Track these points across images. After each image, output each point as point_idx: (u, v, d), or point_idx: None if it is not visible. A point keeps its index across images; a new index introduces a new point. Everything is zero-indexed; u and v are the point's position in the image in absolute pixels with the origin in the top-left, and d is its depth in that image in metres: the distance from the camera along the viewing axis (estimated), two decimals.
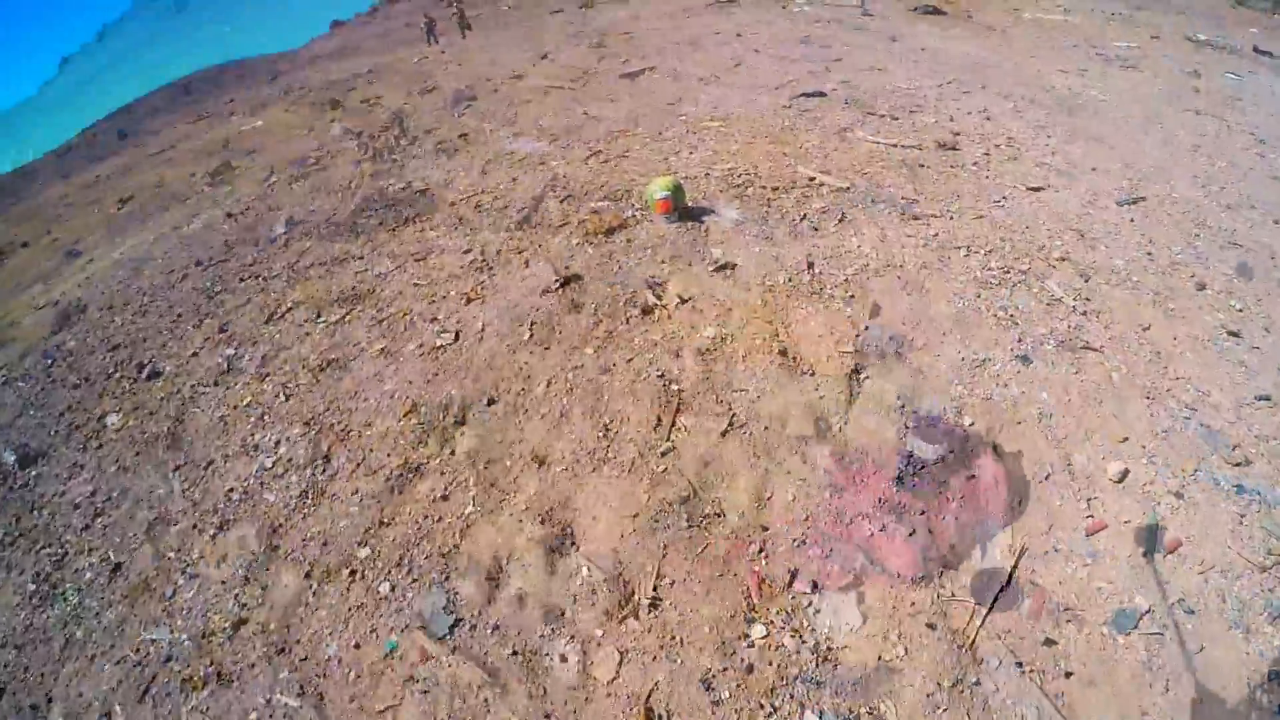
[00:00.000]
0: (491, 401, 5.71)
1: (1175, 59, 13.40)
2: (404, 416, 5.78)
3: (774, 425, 5.26)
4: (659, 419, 5.32)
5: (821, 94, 10.93)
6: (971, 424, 5.35)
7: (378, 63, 18.22)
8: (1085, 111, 10.49)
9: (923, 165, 8.58)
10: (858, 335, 5.88)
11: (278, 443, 5.93)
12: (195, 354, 7.21)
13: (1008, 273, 6.64)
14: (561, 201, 8.19)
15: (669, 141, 9.63)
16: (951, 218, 7.45)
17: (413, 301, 7.07)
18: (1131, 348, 6.10)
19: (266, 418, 6.22)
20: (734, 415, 5.32)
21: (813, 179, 7.96)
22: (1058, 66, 12.33)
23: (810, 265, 6.48)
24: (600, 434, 5.29)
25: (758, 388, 5.49)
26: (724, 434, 5.20)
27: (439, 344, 6.35)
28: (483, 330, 6.33)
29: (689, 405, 5.40)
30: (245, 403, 6.42)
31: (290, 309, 7.51)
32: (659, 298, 6.22)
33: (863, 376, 5.59)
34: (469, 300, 6.75)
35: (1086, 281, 6.73)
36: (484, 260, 7.34)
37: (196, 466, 5.91)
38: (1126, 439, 5.32)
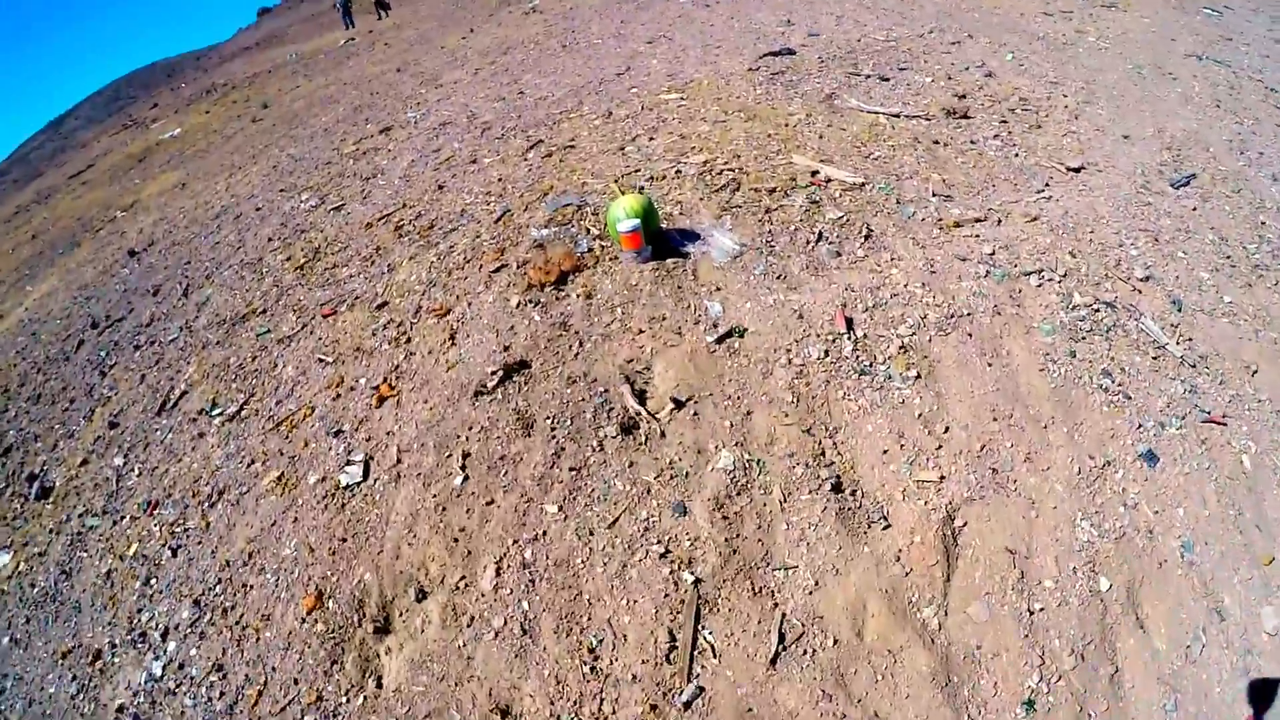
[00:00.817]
0: (422, 595, 3.29)
1: None
2: (308, 614, 3.33)
3: (845, 632, 2.99)
4: (671, 636, 2.99)
5: (790, 51, 8.26)
6: (1109, 588, 3.19)
7: (301, 50, 14.73)
8: (1090, 61, 8.06)
9: (937, 142, 6.12)
10: (939, 448, 3.58)
11: (166, 631, 3.48)
12: (85, 461, 4.73)
13: (1096, 310, 4.36)
14: (497, 221, 5.55)
15: (622, 123, 6.93)
16: (1000, 221, 5.08)
17: (316, 391, 4.49)
18: (1250, 406, 3.98)
19: (154, 581, 3.74)
20: (785, 619, 3.02)
21: (816, 172, 5.45)
22: (1039, 8, 9.78)
23: (849, 324, 4.07)
24: (585, 669, 2.95)
25: (811, 562, 3.17)
26: (774, 660, 2.92)
27: (344, 481, 3.83)
28: (399, 461, 3.81)
29: (714, 605, 3.06)
30: (132, 552, 3.94)
31: (184, 393, 4.95)
32: (642, 402, 3.77)
33: (957, 524, 3.33)
34: (380, 399, 4.19)
35: (1180, 311, 4.50)
36: (399, 325, 4.73)
37: (86, 654, 3.52)
38: (1274, 559, 3.28)
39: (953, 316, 4.13)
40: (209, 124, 12.01)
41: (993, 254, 4.67)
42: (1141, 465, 3.62)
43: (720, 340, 3.98)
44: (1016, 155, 6.03)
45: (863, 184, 5.27)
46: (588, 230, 4.95)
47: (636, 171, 5.76)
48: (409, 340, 4.52)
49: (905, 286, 4.33)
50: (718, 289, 4.33)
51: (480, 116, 7.98)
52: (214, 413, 4.71)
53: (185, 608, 3.58)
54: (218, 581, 3.66)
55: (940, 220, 5.01)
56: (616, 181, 5.56)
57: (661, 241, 4.59)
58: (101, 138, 14.37)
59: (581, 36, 10.10)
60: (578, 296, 4.35)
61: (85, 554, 4.13)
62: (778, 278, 4.38)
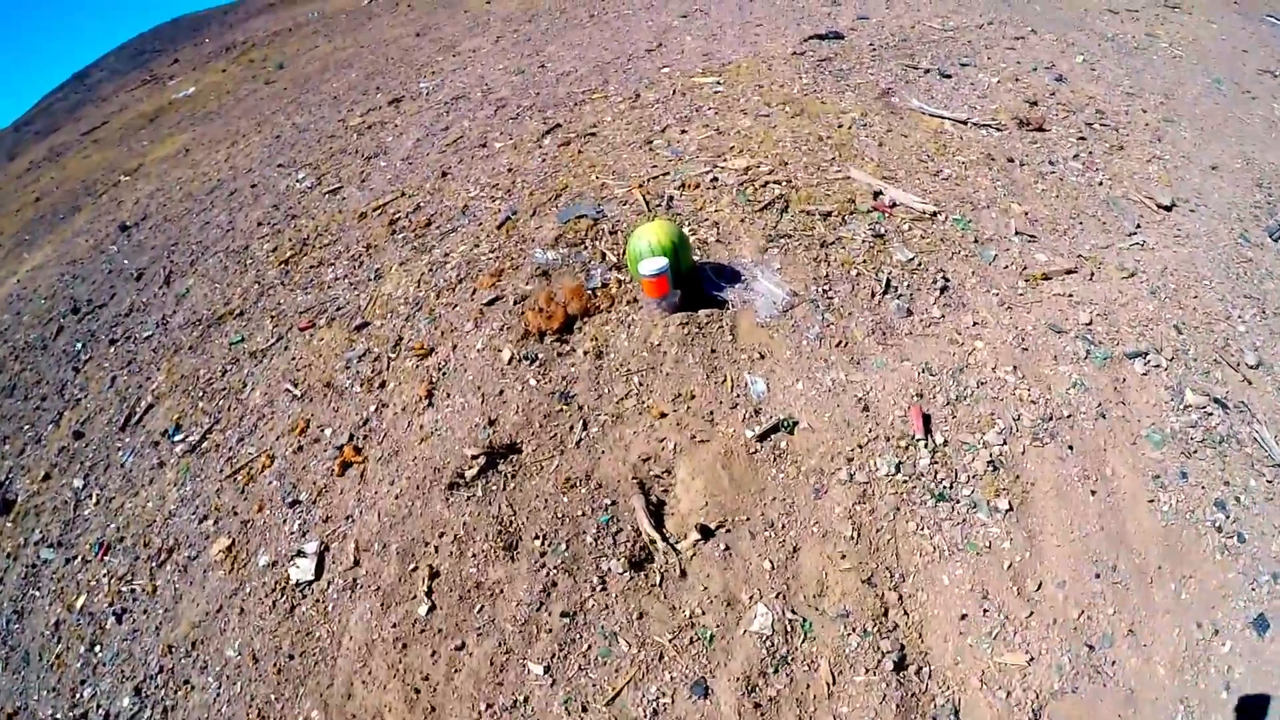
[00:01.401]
0: None
1: None
2: None
3: None
4: None
5: (838, 35, 6.83)
6: None
7: (324, 8, 13.03)
8: (1166, 72, 6.62)
9: (1012, 160, 4.85)
10: (1029, 615, 2.55)
11: (107, 717, 2.67)
12: (48, 475, 3.90)
13: (1209, 413, 3.25)
14: (500, 227, 4.37)
15: (651, 109, 5.63)
16: (1092, 274, 3.90)
17: (279, 434, 3.46)
18: None
19: (98, 649, 2.95)
20: None
21: (879, 193, 4.23)
22: (1102, 4, 8.20)
23: (925, 422, 2.98)
24: None
25: None
26: None
27: (295, 576, 2.82)
28: (356, 563, 2.77)
29: None
30: (79, 605, 3.12)
31: (150, 407, 4.04)
32: (659, 523, 2.71)
33: None
34: (344, 464, 3.15)
35: None
36: (375, 359, 3.63)
37: None
38: None
39: (1050, 419, 3.03)
40: (223, 84, 10.53)
41: (1090, 324, 3.53)
42: (1249, 634, 2.62)
43: (763, 437, 2.89)
44: (1101, 184, 4.78)
45: (934, 213, 4.06)
46: (602, 256, 3.78)
47: (665, 175, 4.54)
48: (383, 385, 3.44)
49: (993, 370, 3.21)
50: (761, 356, 3.20)
51: (496, 91, 6.63)
52: (176, 437, 3.74)
53: (126, 694, 2.73)
54: (159, 670, 2.78)
55: (1025, 269, 3.84)
56: (641, 187, 4.34)
57: (693, 283, 3.44)
58: (120, 93, 12.77)
59: (610, 5, 8.56)
60: (585, 354, 3.23)
61: (37, 592, 3.32)
62: (837, 344, 3.25)
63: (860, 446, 2.89)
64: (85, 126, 11.49)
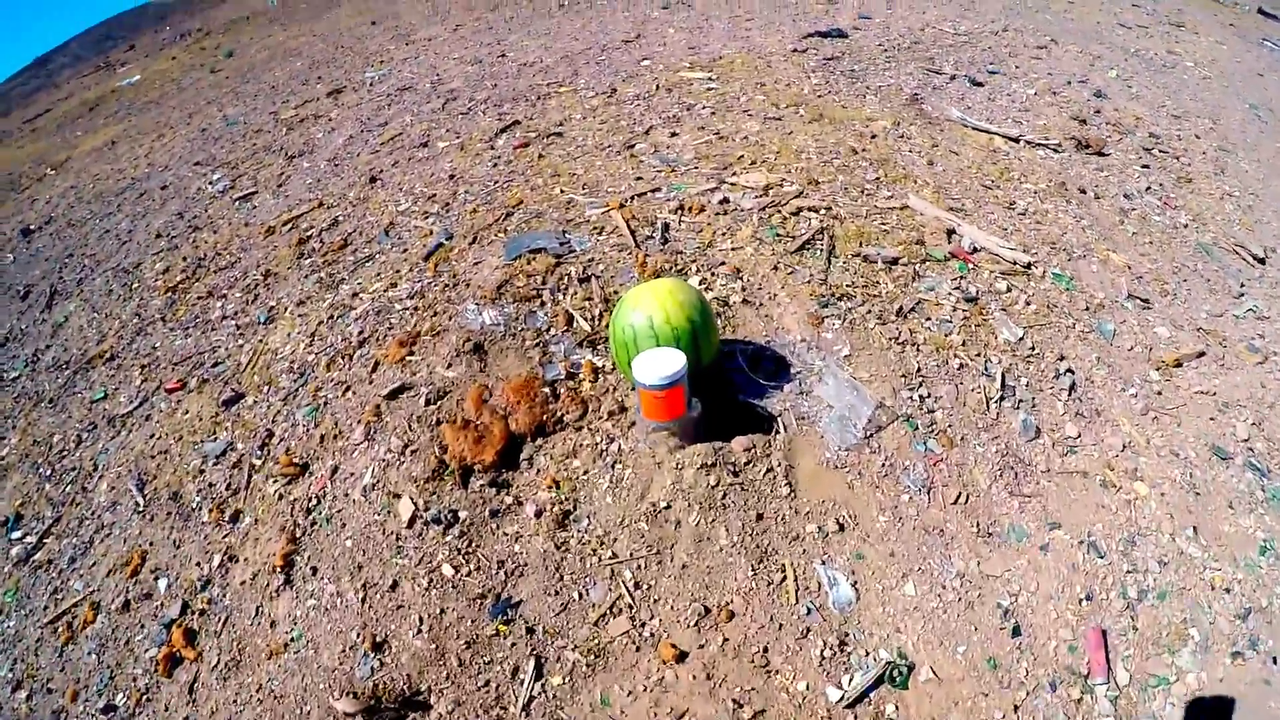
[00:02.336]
0: None
1: (1203, 15, 8.02)
2: None
3: None
4: None
5: (841, 33, 5.25)
6: None
7: None
8: (1204, 95, 5.24)
9: (1084, 191, 3.38)
10: None
11: None
12: None
13: None
14: (427, 257, 2.70)
15: (630, 107, 3.97)
16: (1223, 357, 2.48)
17: (109, 569, 1.83)
18: None
19: None
20: None
21: (952, 231, 2.71)
22: (1112, 19, 6.81)
23: (1108, 662, 1.51)
24: None
25: None
26: None
27: None
28: None
29: None
30: None
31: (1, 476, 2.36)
32: None
33: None
34: (169, 662, 1.53)
35: None
36: (234, 470, 1.96)
37: None
38: None
39: (1248, 615, 1.63)
40: (169, 72, 8.44)
41: (1248, 440, 2.12)
42: None
43: (856, 702, 1.33)
44: (1186, 226, 3.39)
45: (1029, 265, 2.56)
46: (569, 320, 2.15)
47: (655, 192, 2.93)
48: (236, 517, 1.80)
49: (1171, 537, 1.77)
50: (840, 527, 1.65)
51: (447, 82, 4.87)
52: (14, 534, 2.21)
53: None
54: None
55: (1151, 351, 2.39)
56: (623, 207, 2.72)
57: (716, 379, 1.84)
58: (73, 80, 10.44)
59: None
60: (539, 518, 1.61)
61: None
62: (955, 500, 1.72)
63: (1016, 709, 1.37)
64: (30, 114, 9.19)
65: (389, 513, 1.60)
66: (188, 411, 2.48)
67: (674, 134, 3.56)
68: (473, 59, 5.27)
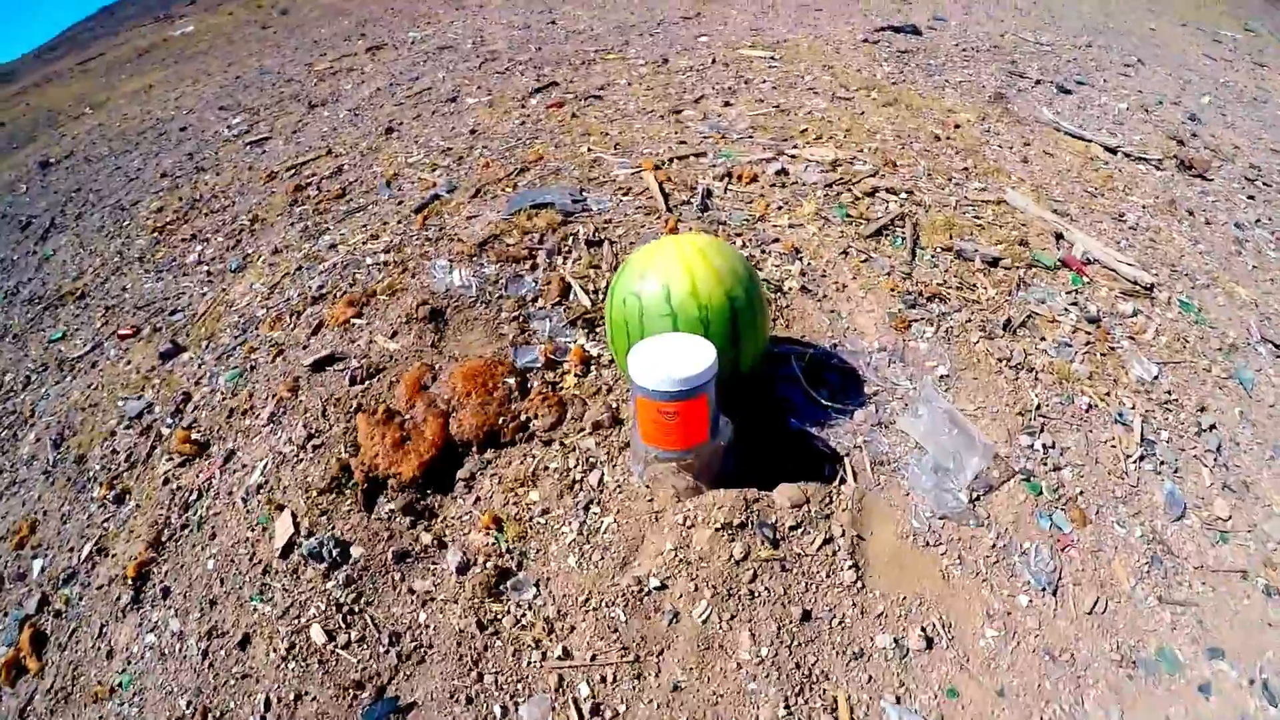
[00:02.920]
0: None
1: (1248, 49, 7.00)
2: None
3: None
4: None
5: (916, 30, 4.54)
6: None
7: None
8: None
9: (1192, 213, 2.67)
10: None
11: None
12: None
13: None
14: (419, 210, 2.11)
15: (682, 76, 3.34)
16: None
17: (4, 531, 1.24)
18: None
19: None
20: None
21: (1060, 235, 2.02)
22: (1199, 49, 5.92)
23: None
24: None
25: None
26: None
27: None
28: None
29: None
30: None
31: None
32: None
33: None
34: (11, 670, 0.98)
35: None
36: (139, 439, 1.44)
37: None
38: None
39: None
40: (223, 26, 8.09)
41: None
42: None
43: None
44: None
45: (1150, 288, 1.86)
46: (563, 292, 1.52)
47: (699, 156, 2.30)
48: (121, 498, 1.23)
49: None
50: (929, 643, 1.02)
51: (489, 43, 4.33)
52: None
53: None
54: None
55: None
56: (659, 169, 2.08)
57: (762, 394, 1.18)
58: (135, 28, 10.12)
59: None
60: (461, 578, 1.02)
61: None
62: (1092, 608, 1.04)
63: None
64: (80, 58, 8.87)
65: (264, 530, 1.01)
66: (129, 362, 1.93)
67: (728, 103, 2.93)
68: (521, 24, 4.70)
